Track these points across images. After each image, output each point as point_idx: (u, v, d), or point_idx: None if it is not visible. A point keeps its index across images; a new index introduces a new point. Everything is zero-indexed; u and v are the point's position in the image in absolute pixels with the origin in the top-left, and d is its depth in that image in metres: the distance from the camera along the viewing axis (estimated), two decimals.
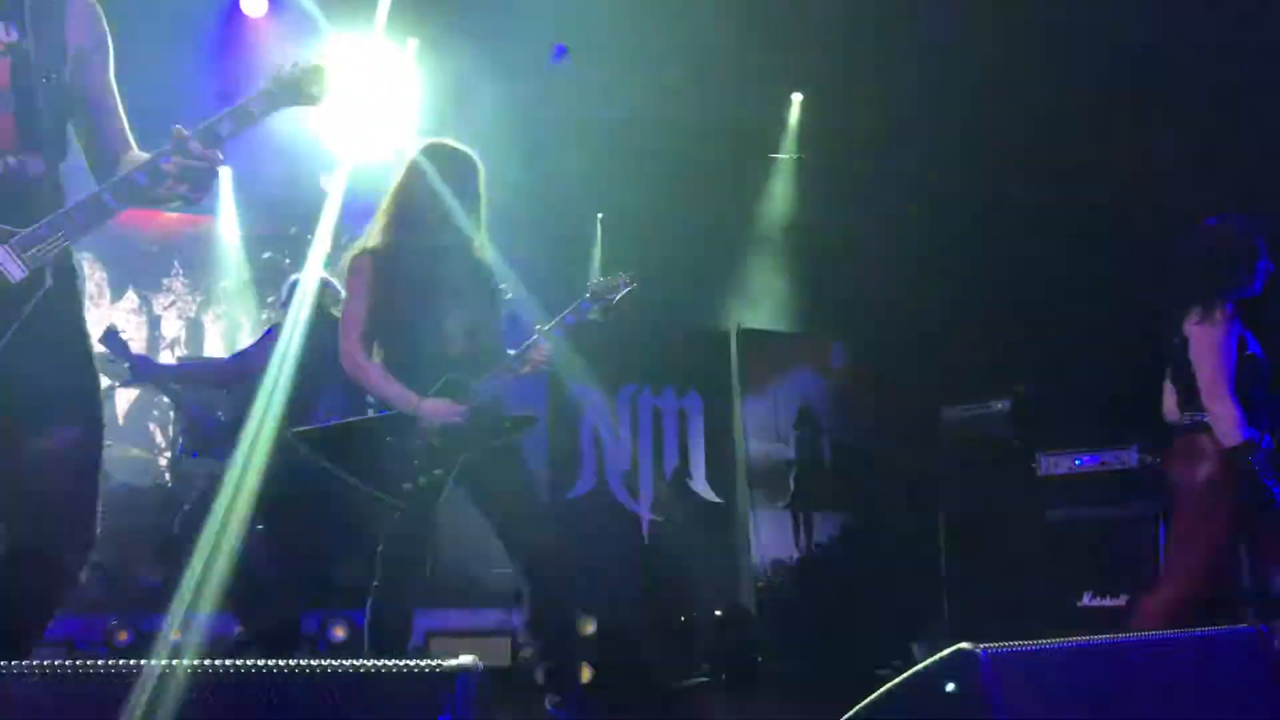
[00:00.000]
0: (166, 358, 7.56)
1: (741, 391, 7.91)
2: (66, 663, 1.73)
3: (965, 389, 6.90)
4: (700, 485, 7.77)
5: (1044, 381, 6.75)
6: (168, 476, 6.20)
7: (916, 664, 2.24)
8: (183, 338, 7.85)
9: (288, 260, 7.47)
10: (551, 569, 3.84)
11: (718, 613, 6.59)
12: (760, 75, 7.46)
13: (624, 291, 4.06)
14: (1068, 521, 5.99)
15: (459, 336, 3.85)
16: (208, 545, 3.78)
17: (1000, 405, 6.60)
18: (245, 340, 7.63)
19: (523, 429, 3.96)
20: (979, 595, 6.27)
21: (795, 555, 7.58)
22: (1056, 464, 6.11)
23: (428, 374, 3.79)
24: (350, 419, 4.01)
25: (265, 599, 5.09)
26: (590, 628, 5.70)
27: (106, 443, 2.62)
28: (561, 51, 6.53)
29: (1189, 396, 4.21)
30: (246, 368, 5.10)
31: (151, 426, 7.41)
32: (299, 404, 4.68)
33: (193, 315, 7.88)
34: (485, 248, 3.97)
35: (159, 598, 5.34)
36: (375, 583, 3.84)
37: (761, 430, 7.89)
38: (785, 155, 8.35)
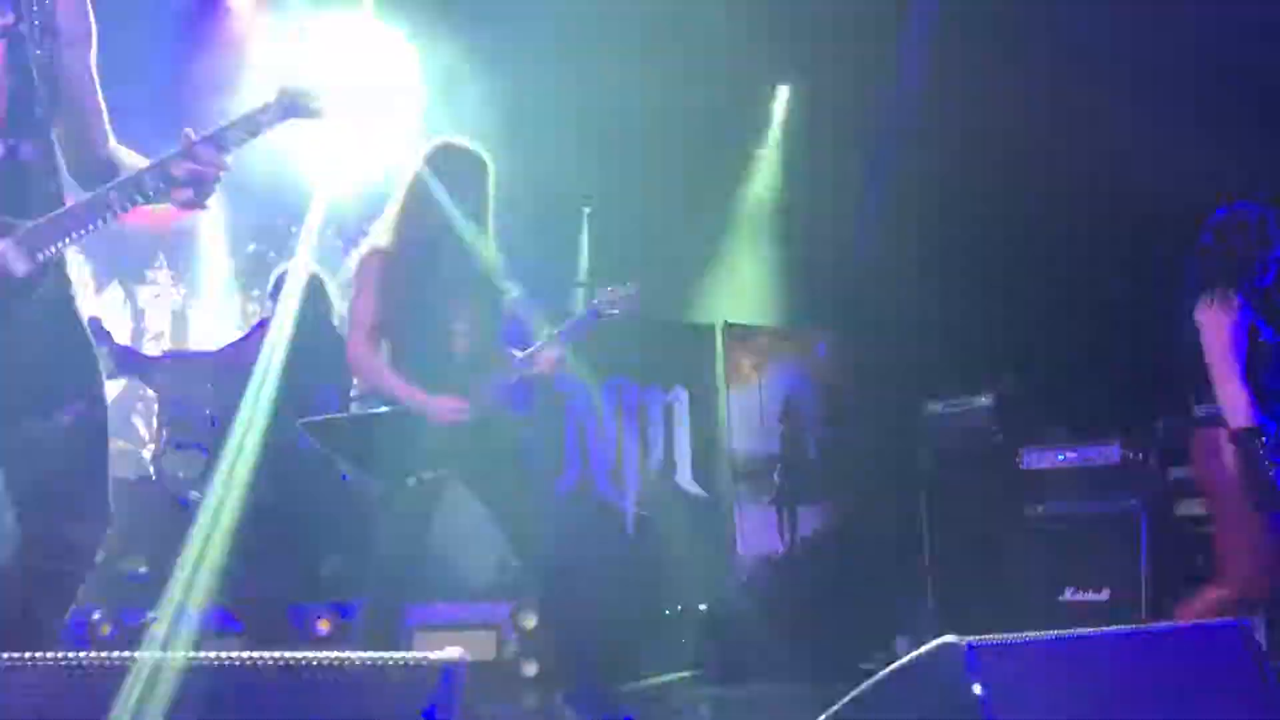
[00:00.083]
0: (151, 350, 7.52)
1: (727, 386, 7.91)
2: (54, 656, 1.73)
3: (949, 384, 6.92)
4: (685, 480, 7.77)
5: (1028, 377, 6.78)
6: (151, 470, 6.18)
7: (899, 658, 2.25)
8: (167, 330, 7.81)
9: (273, 253, 7.44)
10: (559, 568, 3.89)
11: (702, 607, 6.60)
12: (748, 67, 7.47)
13: (633, 303, 4.09)
14: (1050, 516, 6.02)
15: (465, 335, 3.89)
16: (200, 539, 3.78)
17: (984, 400, 6.63)
18: (231, 333, 7.60)
19: (529, 430, 4.00)
20: (962, 589, 6.30)
21: (780, 549, 7.59)
22: (1039, 459, 6.14)
23: (434, 372, 3.81)
24: (358, 412, 4.03)
25: (253, 592, 5.08)
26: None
27: None
28: None
29: (1203, 388, 4.20)
30: (238, 359, 5.08)
31: (135, 419, 7.38)
32: (293, 402, 4.67)
33: (177, 308, 7.84)
34: (491, 247, 3.99)
35: (143, 591, 5.33)
36: (372, 577, 3.86)
37: (746, 425, 7.89)
38: (768, 149, 8.35)
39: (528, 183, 6.91)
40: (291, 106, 2.52)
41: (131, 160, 2.66)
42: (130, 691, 1.72)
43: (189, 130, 2.45)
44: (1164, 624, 2.70)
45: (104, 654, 1.76)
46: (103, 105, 2.67)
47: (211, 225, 7.76)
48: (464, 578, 5.82)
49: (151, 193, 2.44)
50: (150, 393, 6.79)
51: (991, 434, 6.55)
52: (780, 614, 6.84)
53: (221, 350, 5.73)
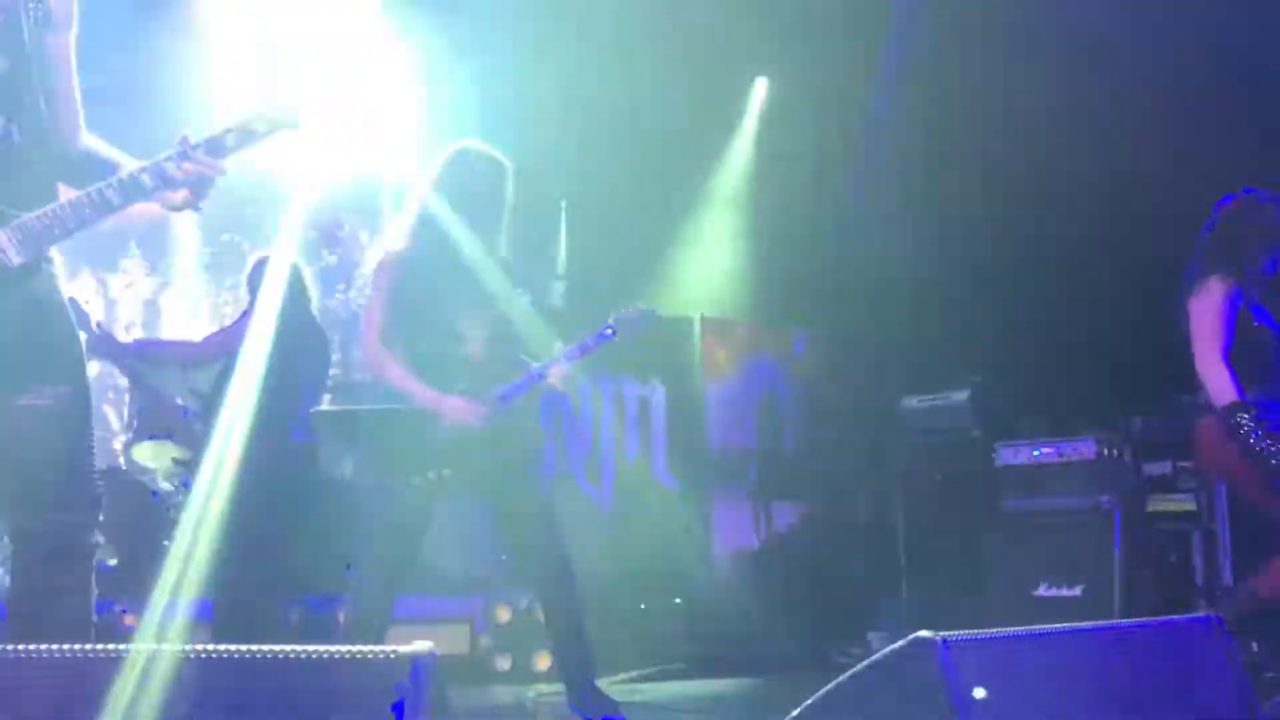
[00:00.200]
0: (123, 339, 7.45)
1: (704, 379, 7.90)
2: (18, 648, 1.71)
3: (926, 380, 6.94)
4: (661, 473, 7.77)
5: (1004, 373, 6.81)
6: (122, 460, 6.12)
7: (874, 653, 2.25)
8: (139, 319, 7.75)
9: (247, 243, 7.39)
10: (560, 575, 3.97)
11: (677, 600, 6.60)
12: (728, 60, 7.46)
13: (647, 323, 4.12)
14: (1025, 512, 6.04)
15: (478, 340, 3.94)
16: (186, 530, 3.77)
17: (960, 396, 6.65)
18: (204, 322, 7.54)
19: (538, 439, 4.06)
20: (937, 585, 6.32)
21: (756, 544, 7.60)
22: (1015, 455, 6.16)
23: (446, 375, 3.86)
24: (370, 407, 4.07)
25: (237, 584, 5.04)
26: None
27: None
28: None
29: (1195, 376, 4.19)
30: (223, 348, 5.02)
31: (106, 408, 7.32)
32: (282, 402, 4.65)
33: (150, 297, 7.78)
34: (507, 252, 4.06)
35: (113, 581, 5.28)
36: (363, 572, 3.90)
37: (723, 419, 7.89)
38: (746, 142, 8.34)
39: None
40: (285, 118, 2.55)
41: (106, 151, 2.66)
42: (95, 683, 1.71)
43: (186, 133, 2.48)
44: (1137, 619, 2.71)
45: (67, 647, 1.73)
46: (78, 94, 2.66)
47: (185, 214, 7.68)
48: (436, 571, 5.80)
49: (149, 191, 2.47)
50: (122, 381, 6.72)
51: (968, 430, 6.57)
52: (755, 608, 6.85)
53: (214, 337, 5.66)
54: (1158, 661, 2.52)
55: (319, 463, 5.38)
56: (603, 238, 7.68)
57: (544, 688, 5.39)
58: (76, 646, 1.76)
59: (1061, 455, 5.98)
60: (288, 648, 1.75)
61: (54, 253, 2.58)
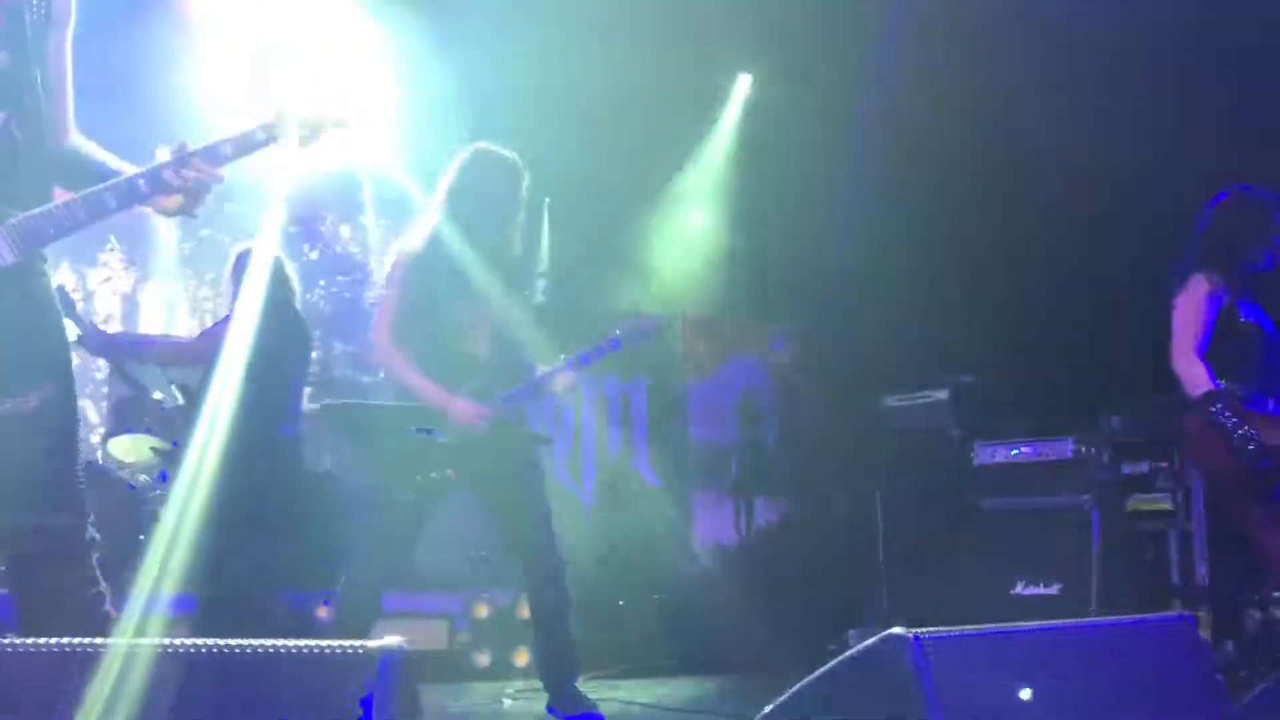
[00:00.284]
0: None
1: (685, 377, 7.91)
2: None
3: (906, 378, 6.95)
4: (643, 470, 7.77)
5: (983, 372, 6.82)
6: (99, 454, 6.08)
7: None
8: (118, 313, 7.70)
9: (226, 238, 7.35)
10: (553, 578, 3.99)
11: (656, 596, 6.60)
12: (709, 57, 7.46)
13: (655, 334, 4.16)
14: (1003, 511, 6.06)
15: (488, 341, 3.98)
16: (167, 526, 3.75)
17: (940, 395, 6.66)
18: (182, 317, 7.50)
19: (542, 445, 4.10)
20: (916, 582, 6.33)
21: (736, 540, 7.61)
22: (993, 454, 6.17)
23: (455, 375, 3.88)
24: (378, 402, 4.10)
25: (222, 579, 5.01)
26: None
27: None
28: None
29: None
30: (213, 355, 4.97)
31: (84, 402, 7.27)
32: (268, 395, 4.62)
33: (128, 291, 7.73)
34: (519, 252, 4.13)
35: None
36: (356, 567, 3.91)
37: (705, 416, 7.90)
38: (730, 139, 8.34)
39: None
40: (283, 130, 2.57)
41: (95, 151, 2.65)
42: (71, 677, 1.71)
43: (185, 141, 2.48)
44: (1113, 618, 2.73)
45: (41, 640, 1.73)
46: (71, 93, 2.65)
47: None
48: (416, 568, 5.79)
49: (145, 197, 2.48)
50: (99, 375, 6.69)
51: (947, 429, 6.58)
52: (735, 604, 6.86)
53: (195, 341, 5.61)
54: (1132, 659, 2.53)
55: (303, 458, 5.37)
56: (585, 234, 7.67)
57: (521, 684, 5.39)
58: (54, 640, 1.75)
59: (1040, 454, 5.99)
60: (255, 641, 1.75)
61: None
